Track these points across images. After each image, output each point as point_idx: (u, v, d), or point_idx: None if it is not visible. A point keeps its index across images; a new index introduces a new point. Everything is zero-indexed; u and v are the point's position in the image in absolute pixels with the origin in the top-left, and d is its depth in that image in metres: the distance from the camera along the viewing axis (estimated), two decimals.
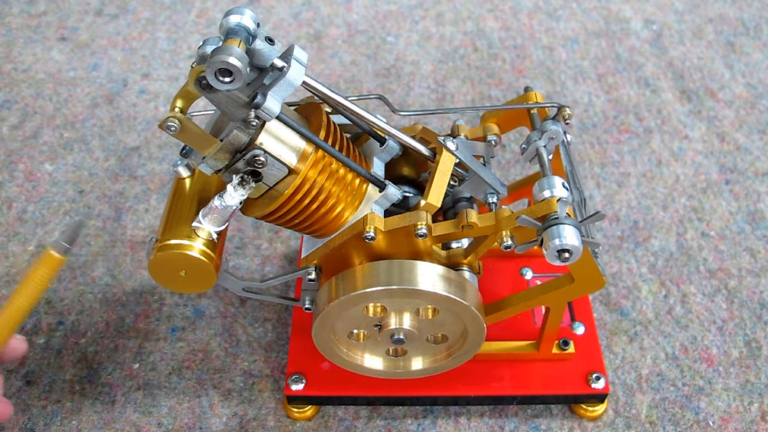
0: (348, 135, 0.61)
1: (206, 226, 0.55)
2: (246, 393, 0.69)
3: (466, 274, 0.59)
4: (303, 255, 0.60)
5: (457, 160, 0.58)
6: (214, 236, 0.55)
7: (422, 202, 0.54)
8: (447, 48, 1.09)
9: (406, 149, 0.60)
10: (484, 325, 0.58)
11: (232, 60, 0.45)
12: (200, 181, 0.59)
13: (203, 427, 0.67)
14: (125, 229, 0.84)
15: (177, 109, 0.50)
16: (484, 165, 0.61)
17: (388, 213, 0.57)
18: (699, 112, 0.98)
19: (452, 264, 0.59)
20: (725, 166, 0.91)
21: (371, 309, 0.58)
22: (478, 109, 0.65)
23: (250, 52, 0.49)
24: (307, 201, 0.54)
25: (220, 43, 0.48)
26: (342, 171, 0.55)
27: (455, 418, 0.68)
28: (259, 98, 0.48)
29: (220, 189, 0.55)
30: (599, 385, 0.65)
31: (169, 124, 0.49)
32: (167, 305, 0.76)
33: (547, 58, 1.07)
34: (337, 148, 0.55)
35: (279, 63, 0.49)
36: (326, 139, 0.54)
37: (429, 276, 0.55)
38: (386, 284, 0.55)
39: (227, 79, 0.46)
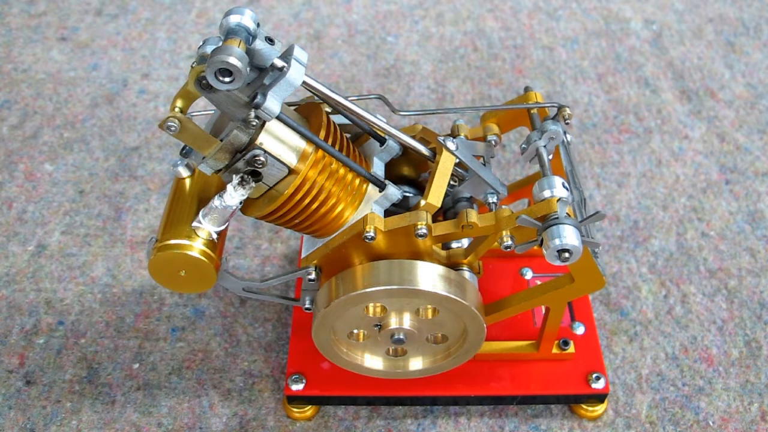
0: (348, 135, 0.61)
1: (206, 226, 0.55)
2: (246, 393, 0.69)
3: (466, 274, 0.59)
4: (303, 255, 0.60)
5: (457, 160, 0.58)
6: (214, 236, 0.55)
7: (422, 202, 0.54)
8: (447, 48, 1.09)
9: (406, 149, 0.60)
10: (484, 325, 0.58)
11: (232, 60, 0.45)
12: (200, 181, 0.59)
13: (203, 427, 0.67)
14: (125, 229, 0.84)
15: (177, 109, 0.50)
16: (484, 165, 0.61)
17: (388, 213, 0.57)
18: (699, 112, 0.98)
19: (452, 264, 0.59)
20: (725, 166, 0.91)
21: (371, 309, 0.58)
22: (478, 109, 0.65)
23: (250, 52, 0.49)
24: (307, 201, 0.54)
25: (220, 43, 0.48)
26: (342, 171, 0.55)
27: (455, 418, 0.68)
28: (259, 98, 0.48)
29: (220, 189, 0.55)
30: (599, 385, 0.65)
31: (169, 124, 0.49)
32: (167, 305, 0.76)
33: (547, 58, 1.07)
34: (337, 148, 0.55)
35: (279, 63, 0.49)
36: (326, 139, 0.54)
37: (429, 276, 0.55)
38: (386, 284, 0.55)
39: (227, 79, 0.46)
